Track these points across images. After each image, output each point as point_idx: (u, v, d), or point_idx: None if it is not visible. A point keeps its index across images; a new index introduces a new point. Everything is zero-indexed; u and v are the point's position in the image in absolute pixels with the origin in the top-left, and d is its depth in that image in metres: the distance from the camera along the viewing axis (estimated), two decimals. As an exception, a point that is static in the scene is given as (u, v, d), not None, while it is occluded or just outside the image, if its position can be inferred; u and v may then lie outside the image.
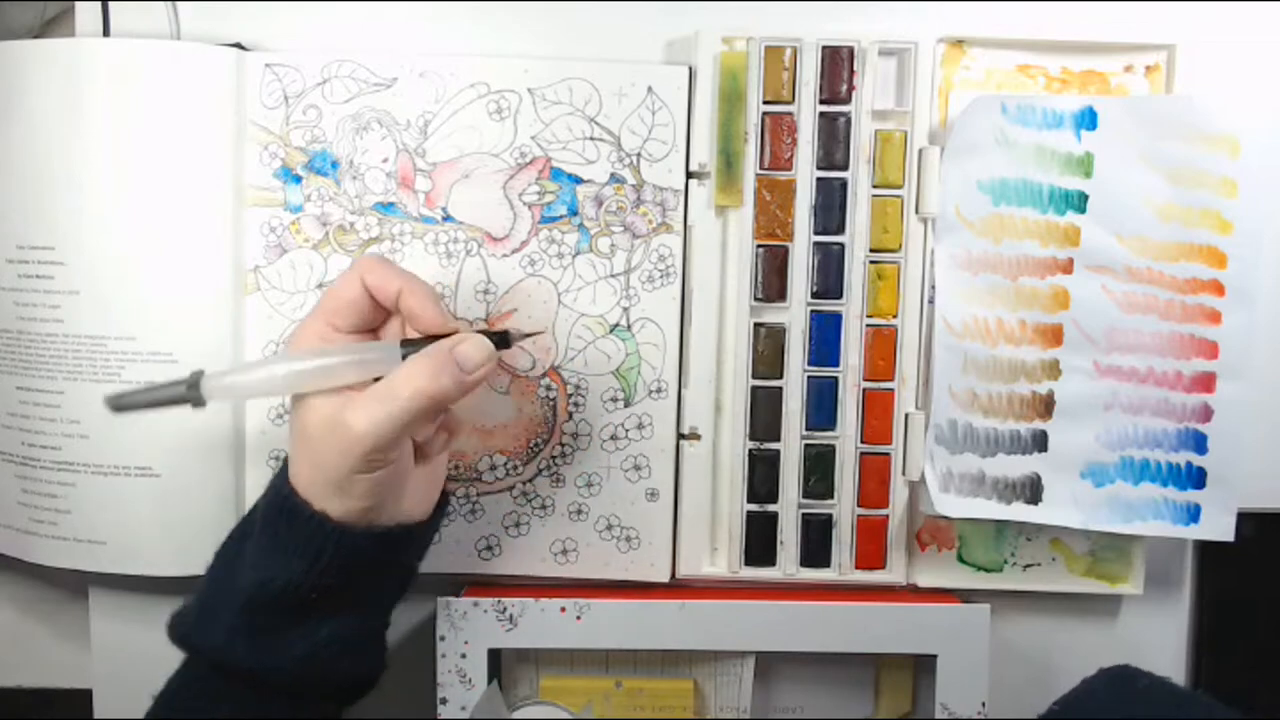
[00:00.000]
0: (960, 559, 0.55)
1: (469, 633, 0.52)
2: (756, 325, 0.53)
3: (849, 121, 0.53)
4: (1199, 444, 0.53)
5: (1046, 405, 0.53)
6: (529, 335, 0.50)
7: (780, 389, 0.53)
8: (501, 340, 0.45)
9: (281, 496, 0.42)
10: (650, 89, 0.53)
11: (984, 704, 0.52)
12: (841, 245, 0.53)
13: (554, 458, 0.54)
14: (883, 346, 0.53)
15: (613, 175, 0.53)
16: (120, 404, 0.40)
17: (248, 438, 0.53)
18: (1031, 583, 0.55)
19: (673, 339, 0.54)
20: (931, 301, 0.53)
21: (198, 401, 0.41)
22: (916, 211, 0.53)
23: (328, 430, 0.41)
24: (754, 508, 0.54)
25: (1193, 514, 0.53)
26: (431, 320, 0.43)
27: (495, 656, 0.53)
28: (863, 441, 0.54)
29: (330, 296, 0.43)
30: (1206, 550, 0.56)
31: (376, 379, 0.42)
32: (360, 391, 0.41)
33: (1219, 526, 0.53)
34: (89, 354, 0.52)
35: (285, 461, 0.44)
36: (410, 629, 0.55)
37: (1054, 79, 0.53)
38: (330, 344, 0.43)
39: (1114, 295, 0.52)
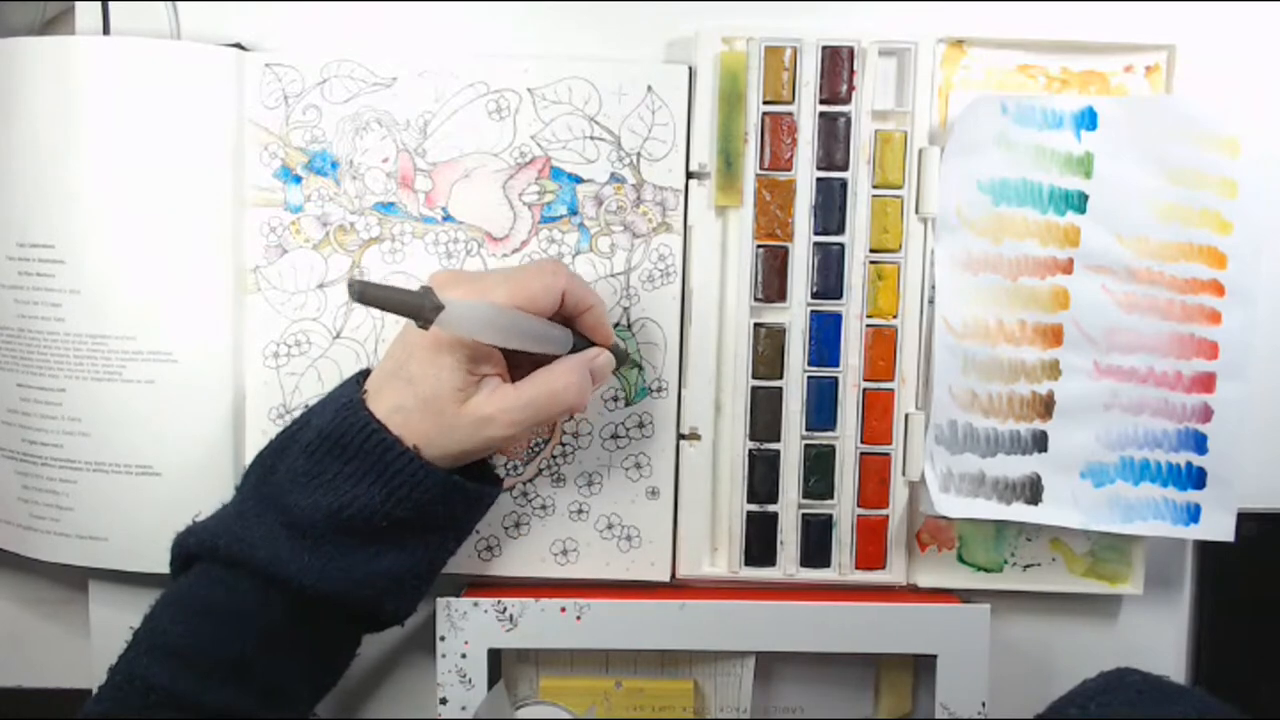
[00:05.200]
0: (960, 559, 0.55)
1: (469, 633, 0.52)
2: (756, 325, 0.53)
3: (849, 121, 0.53)
4: (1199, 444, 0.53)
5: (1046, 405, 0.53)
6: (622, 350, 0.52)
7: (780, 389, 0.53)
8: (619, 356, 0.50)
9: (364, 426, 0.44)
10: (650, 88, 0.53)
11: (984, 704, 0.52)
12: (841, 245, 0.53)
13: (554, 457, 0.54)
14: (883, 346, 0.53)
15: (613, 175, 0.53)
16: (363, 293, 0.40)
17: (248, 437, 0.53)
18: (1031, 583, 0.55)
19: (673, 339, 0.54)
20: (931, 301, 0.53)
21: (426, 322, 0.41)
22: (916, 211, 0.53)
23: (452, 399, 0.44)
24: (754, 508, 0.54)
25: (1193, 514, 0.53)
26: (607, 339, 0.49)
27: (495, 656, 0.53)
28: (863, 441, 0.54)
29: (522, 286, 0.45)
30: (1206, 550, 0.56)
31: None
32: (493, 375, 0.46)
33: (1219, 526, 0.53)
34: (89, 352, 0.52)
35: (349, 385, 0.47)
36: (410, 629, 0.55)
37: (1054, 79, 0.53)
38: None
39: (1114, 295, 0.52)
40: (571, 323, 0.48)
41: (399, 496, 0.44)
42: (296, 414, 0.48)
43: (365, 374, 0.48)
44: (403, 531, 0.45)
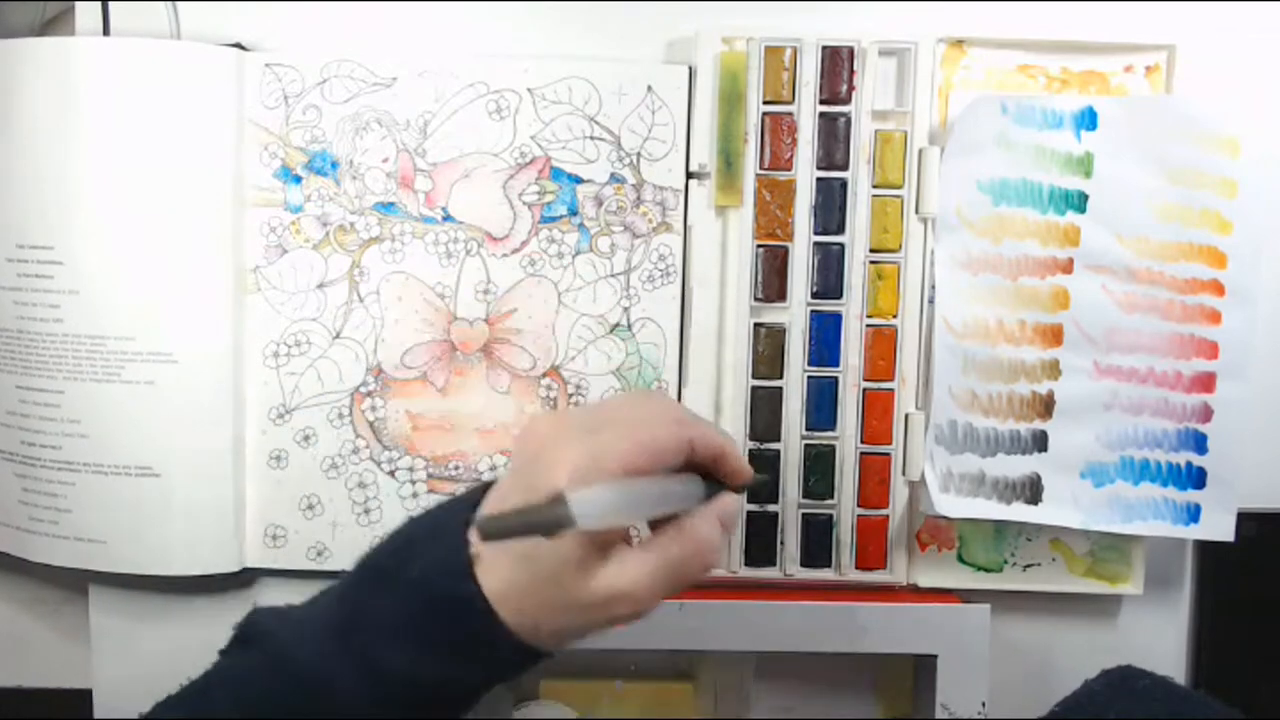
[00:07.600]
0: (960, 559, 0.55)
1: (469, 633, 0.52)
2: (756, 325, 0.53)
3: (849, 121, 0.53)
4: (1199, 444, 0.53)
5: (1046, 405, 0.53)
6: (760, 480, 0.46)
7: (780, 389, 0.53)
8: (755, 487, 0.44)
9: (472, 606, 0.38)
10: (650, 88, 0.53)
11: (984, 704, 0.52)
12: (841, 245, 0.53)
13: (554, 458, 0.54)
14: (883, 346, 0.53)
15: (613, 175, 0.53)
16: (491, 531, 0.35)
17: (248, 438, 0.53)
18: (1031, 583, 0.55)
19: (673, 339, 0.54)
20: (931, 301, 0.53)
21: (568, 527, 0.35)
22: (916, 211, 0.53)
23: (576, 576, 0.37)
24: (754, 508, 0.54)
25: (1193, 514, 0.53)
26: (746, 478, 0.42)
27: (495, 656, 0.53)
28: (863, 441, 0.54)
29: (647, 443, 0.38)
30: (1206, 550, 0.56)
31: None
32: (611, 541, 0.38)
33: (1219, 526, 0.53)
34: (89, 353, 0.52)
35: (454, 534, 0.39)
36: (410, 629, 0.55)
37: (1054, 79, 0.53)
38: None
39: (1114, 295, 0.52)
40: (696, 466, 0.40)
41: (497, 680, 0.40)
42: (296, 414, 0.48)
43: (470, 514, 0.40)
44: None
